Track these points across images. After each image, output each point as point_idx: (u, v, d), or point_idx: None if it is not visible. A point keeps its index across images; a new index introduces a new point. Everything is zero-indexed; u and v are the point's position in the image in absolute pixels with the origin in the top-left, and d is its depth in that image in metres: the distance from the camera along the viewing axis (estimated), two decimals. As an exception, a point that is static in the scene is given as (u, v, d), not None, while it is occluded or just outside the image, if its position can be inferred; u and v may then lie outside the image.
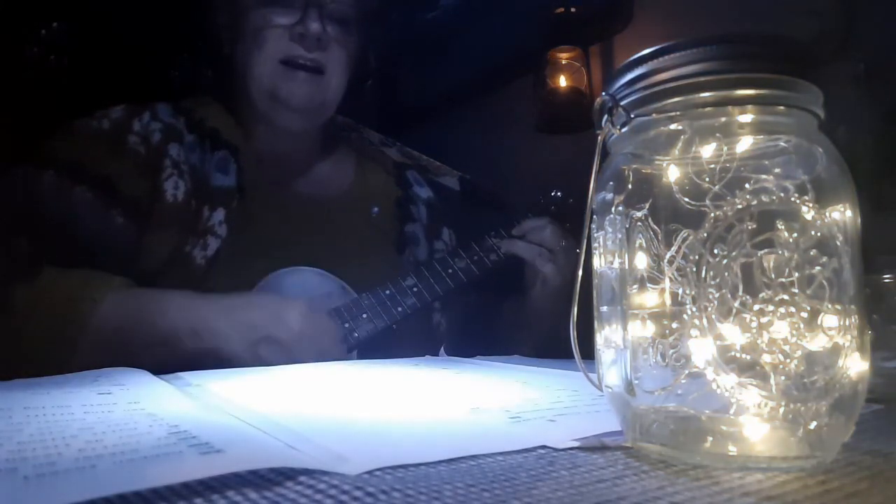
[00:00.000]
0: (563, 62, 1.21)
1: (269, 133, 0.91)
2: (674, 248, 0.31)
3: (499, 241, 0.90)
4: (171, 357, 0.69)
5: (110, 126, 0.83)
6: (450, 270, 0.86)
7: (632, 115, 0.33)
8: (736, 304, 0.30)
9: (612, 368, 0.34)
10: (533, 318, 0.92)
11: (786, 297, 0.29)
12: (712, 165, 0.31)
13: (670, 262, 0.31)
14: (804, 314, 0.29)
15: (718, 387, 0.30)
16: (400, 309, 0.81)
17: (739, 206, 0.30)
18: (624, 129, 0.34)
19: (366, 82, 1.01)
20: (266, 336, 0.70)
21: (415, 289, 0.83)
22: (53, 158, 0.78)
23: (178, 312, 0.70)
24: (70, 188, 0.77)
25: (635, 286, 0.33)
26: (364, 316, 0.79)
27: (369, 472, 0.28)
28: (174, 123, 0.86)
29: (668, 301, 0.32)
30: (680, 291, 0.31)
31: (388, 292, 0.82)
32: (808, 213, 0.30)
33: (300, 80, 0.85)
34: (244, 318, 0.71)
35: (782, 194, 0.30)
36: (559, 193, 0.97)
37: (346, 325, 0.79)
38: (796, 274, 0.30)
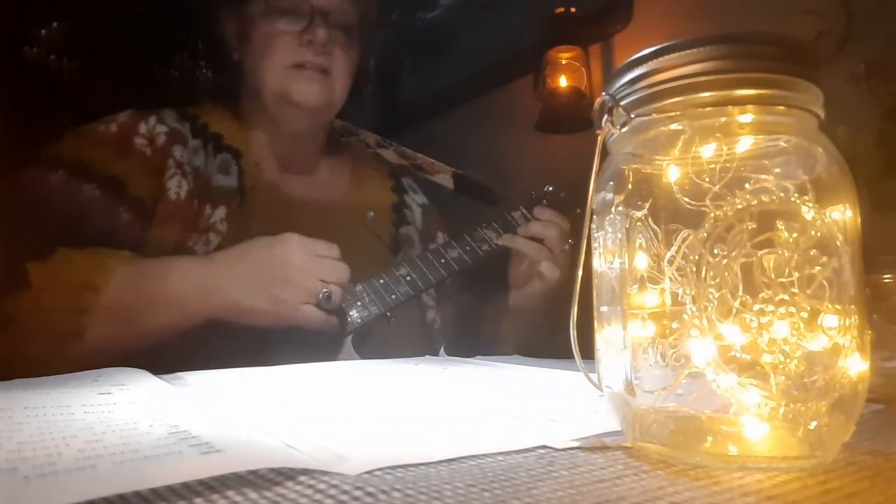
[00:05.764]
0: (563, 62, 1.21)
1: (273, 135, 0.94)
2: (674, 248, 0.31)
3: (493, 234, 0.91)
4: (186, 322, 0.72)
5: (118, 129, 0.86)
6: (442, 260, 0.88)
7: (632, 115, 0.33)
8: (736, 304, 0.30)
9: (612, 368, 0.34)
10: (522, 314, 0.94)
11: (786, 297, 0.29)
12: (712, 165, 0.31)
13: (670, 262, 0.31)
14: (804, 314, 0.29)
15: (718, 387, 0.30)
16: (394, 297, 0.83)
17: (739, 206, 0.30)
18: (624, 129, 0.34)
19: (366, 87, 1.04)
20: (272, 277, 0.72)
21: (408, 278, 0.85)
22: (62, 159, 0.81)
23: (182, 275, 0.73)
24: (78, 186, 0.80)
25: (635, 286, 0.33)
26: (358, 304, 0.81)
27: (369, 472, 0.28)
28: (179, 128, 0.89)
29: (668, 301, 0.32)
30: (680, 291, 0.31)
31: (381, 281, 0.83)
32: (808, 213, 0.30)
33: (309, 81, 0.89)
34: (244, 266, 0.73)
35: (782, 194, 0.30)
36: (551, 188, 0.98)
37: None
38: (796, 274, 0.30)
